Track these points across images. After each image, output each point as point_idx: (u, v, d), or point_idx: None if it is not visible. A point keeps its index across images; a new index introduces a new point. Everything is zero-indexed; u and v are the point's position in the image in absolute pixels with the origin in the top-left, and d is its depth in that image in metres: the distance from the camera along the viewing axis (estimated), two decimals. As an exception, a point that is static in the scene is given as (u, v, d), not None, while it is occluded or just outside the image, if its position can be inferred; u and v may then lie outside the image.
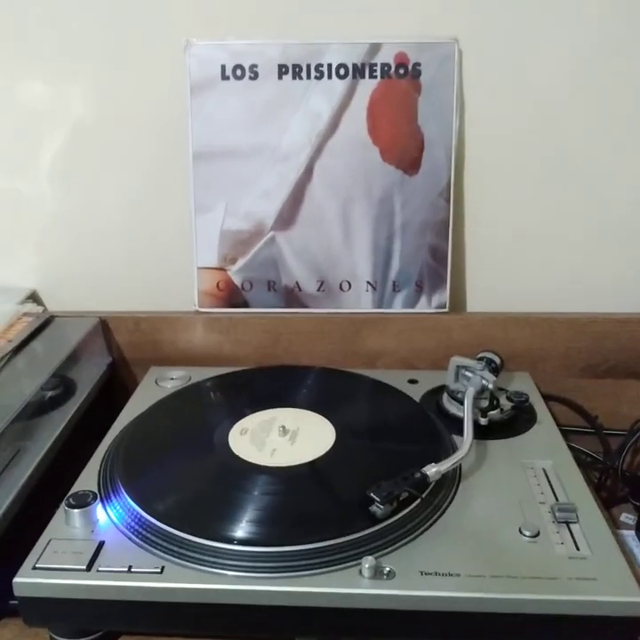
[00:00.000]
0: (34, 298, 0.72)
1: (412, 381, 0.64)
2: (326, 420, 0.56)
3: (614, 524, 0.58)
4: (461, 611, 0.40)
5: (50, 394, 0.60)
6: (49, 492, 0.52)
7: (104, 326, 0.70)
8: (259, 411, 0.57)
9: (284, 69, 0.64)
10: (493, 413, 0.56)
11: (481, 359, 0.60)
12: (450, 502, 0.47)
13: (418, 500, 0.45)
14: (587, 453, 0.64)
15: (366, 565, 0.41)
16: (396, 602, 0.40)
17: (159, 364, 0.69)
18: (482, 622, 0.40)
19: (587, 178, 0.67)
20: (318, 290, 0.69)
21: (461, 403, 0.56)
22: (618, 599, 0.40)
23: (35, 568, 0.42)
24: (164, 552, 0.43)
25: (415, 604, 0.40)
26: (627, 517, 0.60)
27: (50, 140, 0.68)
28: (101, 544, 0.44)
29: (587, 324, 0.68)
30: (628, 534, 0.58)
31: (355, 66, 0.64)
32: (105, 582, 0.41)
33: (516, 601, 0.40)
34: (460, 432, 0.52)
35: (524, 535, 0.44)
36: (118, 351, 0.71)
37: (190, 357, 0.70)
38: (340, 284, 0.69)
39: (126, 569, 0.42)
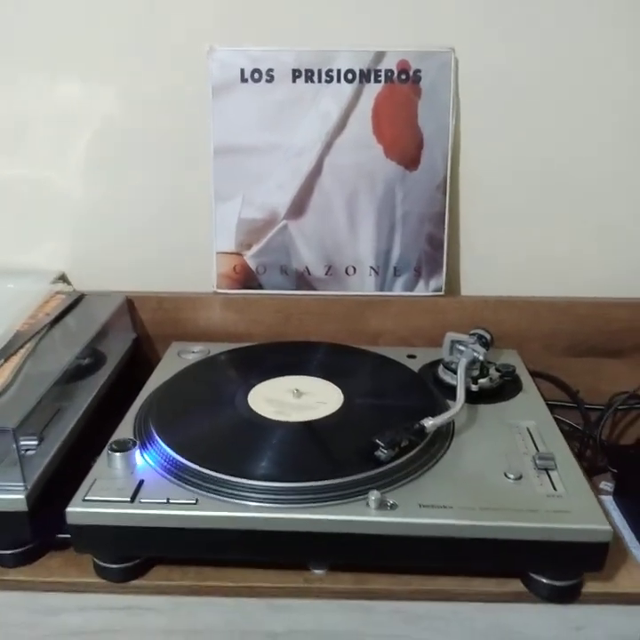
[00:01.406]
0: (63, 279, 0.77)
1: (411, 356, 0.69)
2: (335, 386, 0.61)
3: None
4: (454, 536, 0.46)
5: (84, 362, 0.65)
6: (85, 448, 0.57)
7: (130, 305, 0.74)
8: (274, 377, 0.63)
9: (297, 73, 0.69)
10: (483, 381, 0.62)
11: (473, 335, 0.65)
12: (444, 452, 0.53)
13: (417, 447, 0.52)
14: (568, 424, 0.69)
15: (373, 498, 0.47)
16: (398, 528, 0.46)
17: (180, 340, 0.73)
18: (471, 547, 0.47)
19: (571, 173, 0.72)
20: (326, 274, 0.75)
21: (455, 372, 0.61)
22: (588, 527, 0.46)
23: (85, 500, 0.48)
24: (196, 487, 0.49)
25: (415, 531, 0.46)
26: (606, 485, 0.64)
27: (81, 136, 0.72)
28: (141, 482, 0.50)
29: (568, 307, 0.73)
30: (607, 499, 0.62)
31: (361, 71, 0.69)
32: (147, 511, 0.47)
33: (502, 528, 0.46)
34: (455, 398, 0.57)
35: (509, 478, 0.50)
36: (142, 328, 0.76)
37: (209, 334, 0.74)
38: (346, 269, 0.75)
39: (165, 501, 0.48)
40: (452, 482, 0.50)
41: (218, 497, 0.48)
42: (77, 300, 0.73)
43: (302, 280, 0.75)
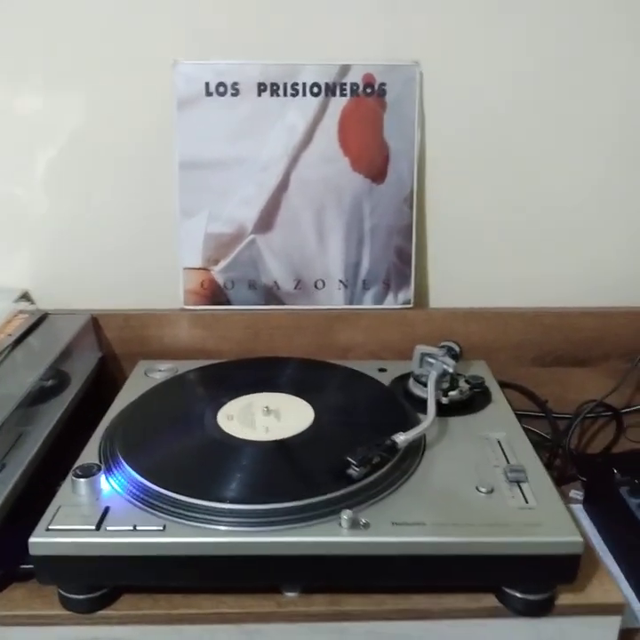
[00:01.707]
0: (26, 297, 0.75)
1: (382, 370, 0.69)
2: (305, 402, 0.61)
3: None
4: (428, 554, 0.46)
5: (48, 384, 0.63)
6: (49, 472, 0.55)
7: (95, 323, 0.73)
8: (244, 395, 0.62)
9: (262, 87, 0.69)
10: (453, 394, 0.62)
11: (442, 347, 0.65)
12: (416, 467, 0.53)
13: (389, 464, 0.51)
14: (537, 434, 0.70)
15: (345, 517, 0.46)
16: (371, 548, 0.46)
17: (147, 358, 0.72)
18: (445, 564, 0.46)
19: (533, 185, 0.73)
20: (295, 288, 0.74)
21: (425, 385, 0.61)
22: (560, 539, 0.46)
23: (48, 529, 0.46)
24: (164, 513, 0.47)
25: (388, 550, 0.46)
26: (576, 493, 0.65)
27: (45, 149, 0.71)
28: (107, 509, 0.48)
29: (534, 317, 0.74)
30: (577, 508, 0.63)
31: (327, 85, 0.69)
32: (113, 539, 0.46)
33: (475, 543, 0.46)
34: (425, 411, 0.57)
35: (480, 491, 0.50)
36: (108, 346, 0.74)
37: (176, 352, 0.74)
38: (315, 283, 0.74)
39: (132, 528, 0.46)
40: (425, 498, 0.50)
41: (186, 522, 0.47)
42: (41, 320, 0.71)
43: (271, 295, 0.74)
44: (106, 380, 0.74)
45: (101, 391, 0.72)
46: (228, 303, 0.74)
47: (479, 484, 0.51)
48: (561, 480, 0.66)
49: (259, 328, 0.74)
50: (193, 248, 0.73)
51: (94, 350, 0.74)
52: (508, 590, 0.48)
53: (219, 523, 0.47)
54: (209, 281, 0.74)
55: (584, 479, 0.66)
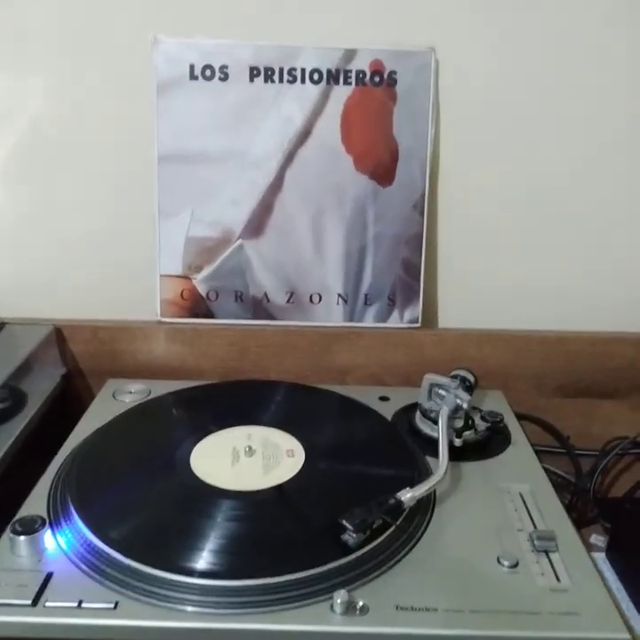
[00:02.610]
0: (-19, 304, 0.69)
1: (384, 398, 0.63)
2: (295, 440, 0.53)
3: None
4: (439, 648, 0.38)
5: (0, 405, 0.57)
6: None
7: (59, 335, 0.67)
8: (224, 428, 0.55)
9: (255, 72, 0.63)
10: (468, 434, 0.55)
11: (455, 377, 0.58)
12: (425, 529, 0.45)
13: (392, 528, 0.43)
14: (559, 475, 0.64)
15: (338, 600, 0.38)
16: None
17: (117, 375, 0.66)
18: (460, 660, 0.38)
19: (561, 196, 0.67)
20: (288, 301, 0.68)
21: (434, 422, 0.54)
22: (602, 636, 0.38)
23: (-25, 603, 0.38)
24: (118, 585, 0.40)
25: (391, 642, 0.38)
26: (597, 539, 0.59)
27: (3, 138, 0.65)
28: (49, 575, 0.40)
29: (558, 342, 0.68)
30: (599, 557, 0.57)
31: (329, 71, 0.63)
32: (52, 619, 0.38)
33: (498, 638, 0.38)
34: (434, 453, 0.51)
35: (503, 565, 0.42)
36: (73, 362, 0.68)
37: (151, 370, 0.68)
38: (311, 297, 0.68)
39: (76, 604, 0.38)
40: (435, 572, 0.42)
41: (144, 598, 0.39)
42: (-3, 330, 0.65)
43: (260, 308, 0.68)
44: (71, 399, 0.68)
45: (66, 412, 0.65)
46: (211, 316, 0.68)
47: (501, 556, 0.43)
48: (580, 523, 0.61)
49: (245, 346, 0.68)
50: (172, 253, 0.66)
51: (57, 366, 0.68)
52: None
53: (185, 602, 0.39)
54: (190, 290, 0.67)
55: (608, 525, 0.60)
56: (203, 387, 0.63)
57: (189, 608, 0.39)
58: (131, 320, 0.68)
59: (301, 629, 0.38)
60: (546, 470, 0.55)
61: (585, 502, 0.63)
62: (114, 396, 0.62)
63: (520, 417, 0.63)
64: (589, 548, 0.58)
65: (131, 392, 0.62)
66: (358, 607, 0.39)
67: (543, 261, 0.69)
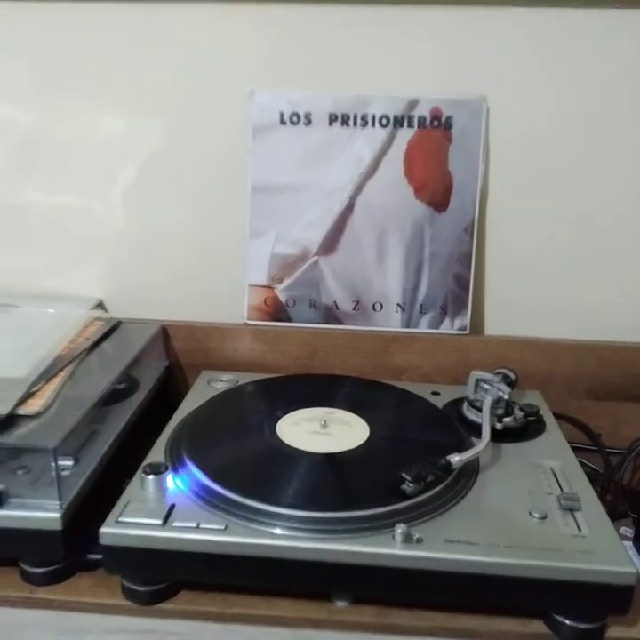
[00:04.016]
0: (100, 306, 0.79)
1: (435, 393, 0.70)
2: (361, 419, 0.62)
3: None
4: (478, 573, 0.47)
5: (120, 387, 0.66)
6: (117, 470, 0.59)
7: (164, 333, 0.76)
8: (302, 408, 0.64)
9: (334, 117, 0.72)
10: (508, 420, 0.62)
11: (498, 374, 0.66)
12: (469, 488, 0.54)
13: (443, 483, 0.52)
14: (589, 466, 0.68)
15: (399, 531, 0.47)
16: (423, 563, 0.47)
17: (210, 369, 0.74)
18: (495, 584, 0.47)
19: (599, 222, 0.73)
20: (353, 309, 0.76)
21: (479, 410, 0.62)
22: (612, 568, 0.46)
23: (117, 521, 0.49)
24: (226, 514, 0.50)
25: (440, 566, 0.47)
26: (625, 531, 0.64)
27: (124, 169, 0.75)
28: (173, 506, 0.51)
29: (590, 350, 0.74)
30: (627, 545, 0.62)
31: (395, 117, 0.72)
32: (178, 535, 0.48)
33: (527, 566, 0.46)
34: (479, 435, 0.58)
35: (534, 517, 0.51)
36: (174, 356, 0.77)
37: (237, 365, 0.76)
38: (373, 305, 0.76)
39: (196, 525, 0.49)
40: (478, 518, 0.50)
41: (246, 523, 0.49)
42: (114, 327, 0.75)
43: (330, 314, 0.76)
44: (171, 388, 0.77)
45: (167, 397, 0.75)
46: (289, 320, 0.77)
47: (532, 509, 0.51)
48: (611, 516, 0.63)
49: (316, 346, 0.76)
50: (259, 267, 0.76)
51: (162, 359, 0.77)
52: (557, 617, 0.48)
53: (275, 526, 0.49)
54: (272, 298, 0.76)
55: (636, 516, 0.65)
56: (282, 377, 0.72)
57: (278, 531, 0.48)
58: (222, 322, 0.76)
59: (368, 551, 0.47)
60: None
61: (614, 496, 0.67)
62: (208, 383, 0.71)
63: (555, 416, 0.68)
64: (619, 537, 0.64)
65: (222, 380, 0.71)
66: (415, 538, 0.48)
67: (576, 280, 0.75)
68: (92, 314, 0.75)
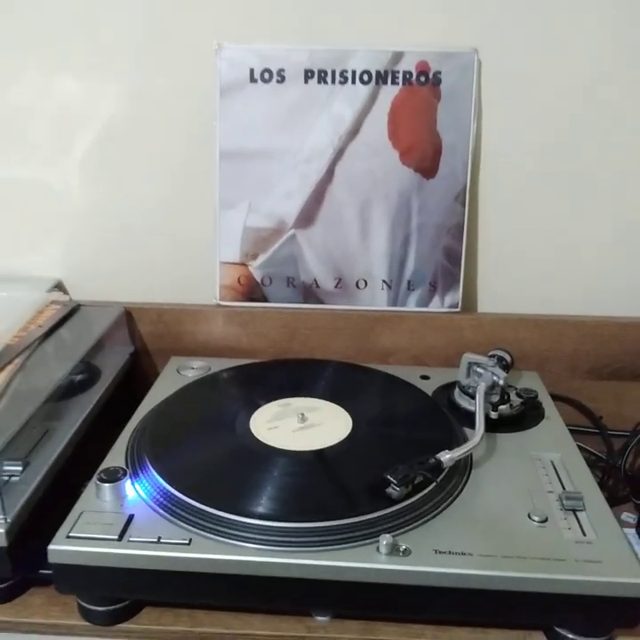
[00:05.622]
0: (59, 287, 0.74)
1: (424, 377, 0.66)
2: (342, 410, 0.58)
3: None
4: (473, 587, 0.42)
5: (78, 378, 0.62)
6: (74, 472, 0.54)
7: (128, 316, 0.72)
8: (279, 399, 0.59)
9: (310, 74, 0.66)
10: (503, 408, 0.58)
11: (492, 356, 0.61)
12: (462, 489, 0.49)
13: (432, 485, 0.47)
14: (590, 452, 0.65)
15: (384, 542, 0.43)
16: (411, 577, 0.42)
17: (179, 354, 0.71)
18: (491, 599, 0.42)
19: (599, 187, 0.69)
20: (335, 287, 0.72)
21: (472, 397, 0.58)
22: (621, 580, 0.42)
23: (68, 537, 0.44)
24: (190, 525, 0.45)
25: (429, 580, 0.42)
26: (628, 516, 0.61)
27: (81, 136, 0.70)
28: (131, 517, 0.46)
29: (593, 327, 0.70)
30: (629, 532, 0.59)
31: (378, 72, 0.66)
32: (136, 551, 0.43)
33: (526, 580, 0.42)
34: (471, 425, 0.54)
35: (533, 520, 0.46)
36: (140, 341, 0.73)
37: (209, 349, 0.72)
38: (357, 282, 0.71)
39: (156, 540, 0.44)
40: (471, 524, 0.46)
41: (213, 536, 0.44)
42: (73, 311, 0.70)
43: (310, 293, 0.72)
44: (137, 376, 0.73)
45: (132, 387, 0.70)
46: (265, 300, 0.72)
47: (532, 512, 0.47)
48: (613, 501, 0.61)
49: (296, 327, 0.72)
50: (231, 242, 0.71)
51: (127, 344, 0.73)
52: (559, 630, 0.44)
53: (247, 540, 0.44)
54: (246, 277, 0.71)
55: (639, 502, 0.62)
56: (258, 364, 0.68)
57: (250, 545, 0.43)
58: (192, 304, 0.72)
59: (350, 565, 0.42)
60: (578, 448, 0.57)
61: (617, 481, 0.64)
62: (178, 371, 0.66)
63: (554, 397, 0.65)
64: (621, 524, 0.60)
65: (193, 368, 0.67)
66: (401, 549, 0.43)
67: (578, 251, 0.71)
68: (48, 297, 0.70)
